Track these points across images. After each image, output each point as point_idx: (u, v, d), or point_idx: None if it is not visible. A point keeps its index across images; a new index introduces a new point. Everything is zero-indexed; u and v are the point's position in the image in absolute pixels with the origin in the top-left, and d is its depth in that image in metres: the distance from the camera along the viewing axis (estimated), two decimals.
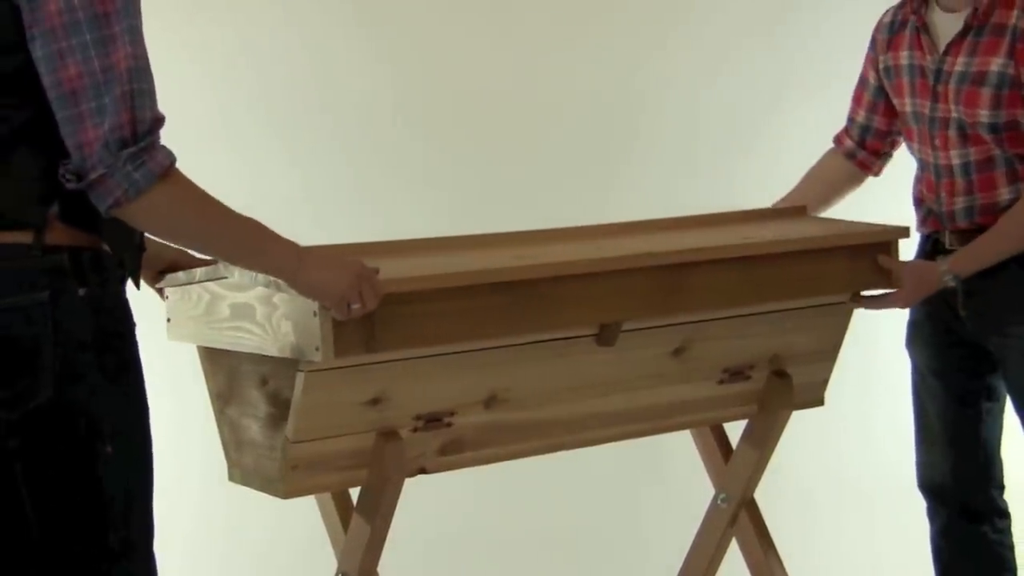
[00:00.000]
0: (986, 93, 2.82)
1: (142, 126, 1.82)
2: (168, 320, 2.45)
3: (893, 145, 3.10)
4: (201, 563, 3.72)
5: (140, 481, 1.97)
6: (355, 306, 2.09)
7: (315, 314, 2.12)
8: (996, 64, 2.81)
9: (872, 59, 3.06)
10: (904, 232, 2.88)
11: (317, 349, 2.13)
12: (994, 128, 2.83)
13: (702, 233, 2.76)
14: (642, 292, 2.50)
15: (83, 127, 1.80)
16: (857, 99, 3.12)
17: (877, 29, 3.06)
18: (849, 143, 3.13)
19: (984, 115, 2.82)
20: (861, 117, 3.10)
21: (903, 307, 2.94)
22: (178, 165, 1.88)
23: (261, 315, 2.23)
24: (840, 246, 2.78)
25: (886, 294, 2.86)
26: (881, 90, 3.05)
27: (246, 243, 1.98)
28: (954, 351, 3.00)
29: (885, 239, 2.85)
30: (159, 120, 1.85)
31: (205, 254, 2.23)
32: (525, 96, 4.15)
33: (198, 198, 1.90)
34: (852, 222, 2.96)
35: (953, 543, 3.08)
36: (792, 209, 3.03)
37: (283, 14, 3.94)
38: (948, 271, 2.85)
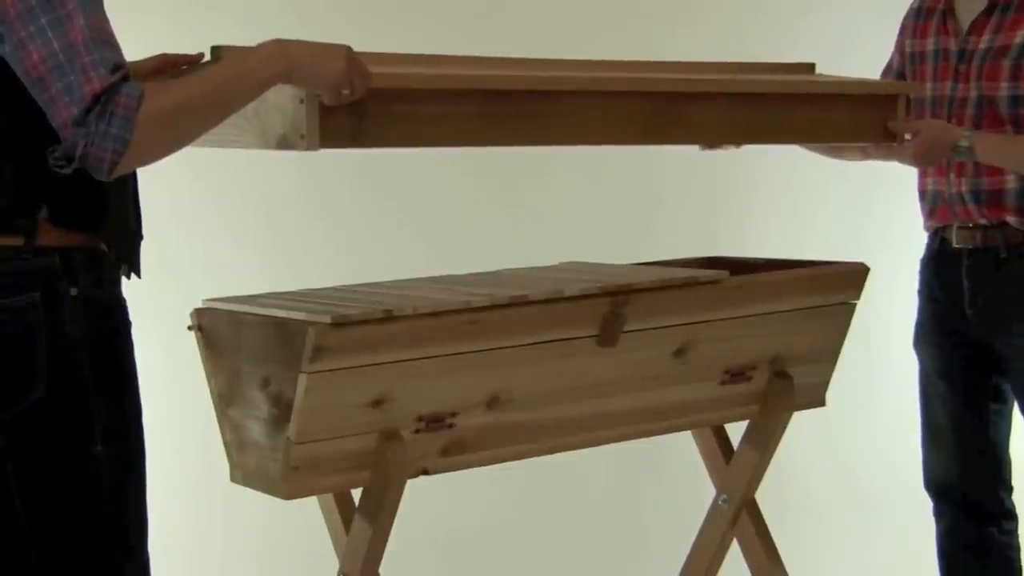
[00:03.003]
0: (1006, 65, 2.83)
1: (103, 85, 1.77)
2: None
3: None
4: (203, 564, 3.72)
5: (133, 480, 1.97)
6: (345, 91, 2.05)
7: (302, 101, 2.08)
8: (1020, 36, 2.83)
9: (900, 45, 3.10)
10: (911, 87, 2.88)
11: (302, 137, 2.08)
12: (1014, 103, 2.83)
13: (706, 73, 2.75)
14: (636, 116, 2.47)
15: (57, 109, 1.78)
16: None
17: (906, 16, 3.10)
18: None
19: (1004, 88, 2.84)
20: None
21: (914, 162, 2.90)
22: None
23: (250, 110, 2.16)
24: (844, 94, 2.76)
25: (901, 145, 2.85)
26: (902, 75, 3.08)
27: (243, 90, 1.94)
28: (960, 352, 3.01)
29: (893, 92, 2.85)
30: (117, 78, 1.78)
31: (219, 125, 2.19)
32: None
33: (180, 105, 1.85)
34: (860, 78, 2.95)
35: (959, 544, 3.07)
36: (801, 65, 3.01)
37: (289, 15, 3.94)
38: (968, 137, 2.81)
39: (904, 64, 3.07)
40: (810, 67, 3.00)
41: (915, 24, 3.04)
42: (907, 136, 2.84)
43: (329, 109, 2.08)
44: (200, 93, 1.88)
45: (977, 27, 2.90)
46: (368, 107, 2.13)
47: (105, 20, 1.83)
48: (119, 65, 1.80)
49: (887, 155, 2.93)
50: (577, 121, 2.40)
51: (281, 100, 2.12)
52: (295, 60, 1.98)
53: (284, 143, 2.13)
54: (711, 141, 2.64)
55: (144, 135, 1.79)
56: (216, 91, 1.90)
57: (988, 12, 2.89)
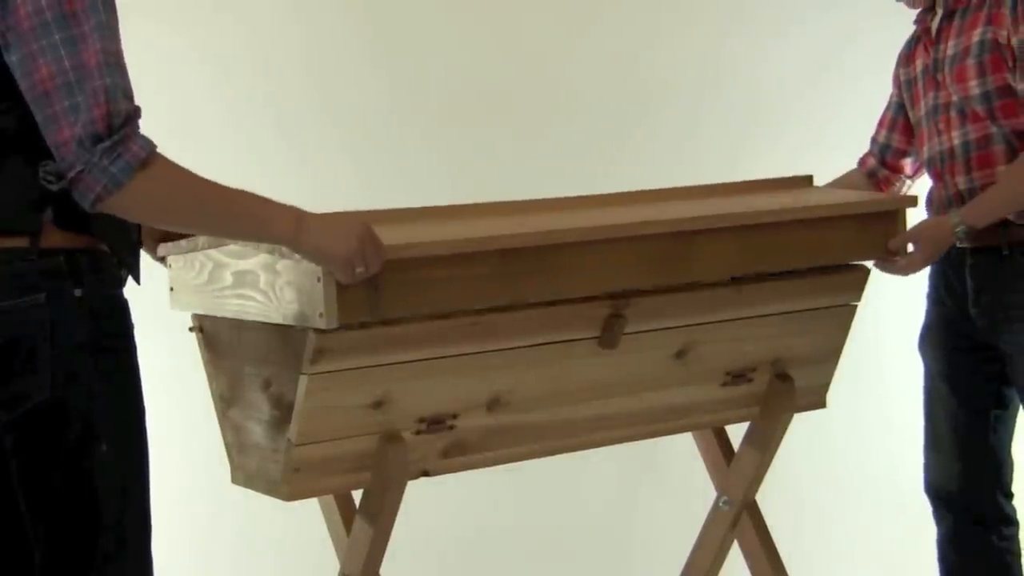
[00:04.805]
0: (971, 64, 2.88)
1: (116, 119, 1.80)
2: (171, 289, 2.44)
3: (916, 172, 3.14)
4: (203, 565, 3.72)
5: (136, 480, 1.98)
6: (359, 270, 2.07)
7: (319, 280, 2.11)
8: (977, 34, 2.88)
9: (896, 77, 3.15)
10: (912, 201, 2.91)
11: (321, 315, 2.11)
12: (986, 98, 2.87)
13: (706, 202, 2.77)
14: (646, 260, 2.51)
15: (58, 127, 1.79)
16: (882, 121, 3.20)
17: (901, 49, 3.14)
18: (871, 162, 3.18)
19: (974, 86, 2.87)
20: (882, 137, 3.18)
21: (922, 267, 2.95)
22: (186, 164, 1.87)
23: (264, 282, 2.22)
24: (845, 215, 2.78)
25: (905, 257, 2.88)
26: (900, 107, 3.13)
27: (242, 218, 1.96)
28: (963, 356, 3.01)
29: (892, 208, 2.87)
30: (133, 112, 1.84)
31: (202, 235, 2.22)
32: (528, 95, 4.15)
33: (184, 182, 1.88)
34: (860, 193, 2.99)
35: (958, 549, 3.07)
36: (799, 179, 3.04)
37: (290, 16, 3.95)
38: (960, 222, 2.85)
39: (901, 95, 3.12)
40: (808, 179, 3.03)
41: (907, 53, 3.11)
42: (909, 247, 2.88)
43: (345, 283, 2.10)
44: (206, 194, 1.91)
45: (943, 35, 2.96)
46: (381, 277, 2.14)
47: (120, 46, 1.85)
48: (129, 94, 1.82)
49: (895, 271, 2.95)
50: (588, 270, 2.43)
51: (297, 277, 2.15)
52: (305, 228, 1.99)
53: (302, 319, 2.16)
54: (723, 274, 2.65)
55: (138, 187, 1.82)
56: (219, 204, 1.92)
57: (949, 18, 2.96)
